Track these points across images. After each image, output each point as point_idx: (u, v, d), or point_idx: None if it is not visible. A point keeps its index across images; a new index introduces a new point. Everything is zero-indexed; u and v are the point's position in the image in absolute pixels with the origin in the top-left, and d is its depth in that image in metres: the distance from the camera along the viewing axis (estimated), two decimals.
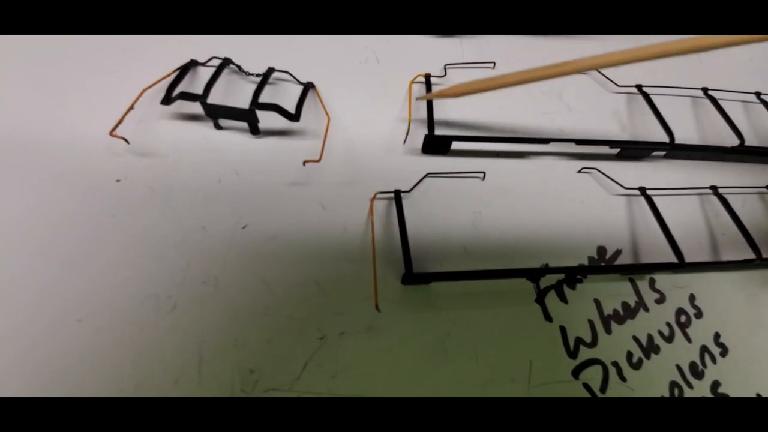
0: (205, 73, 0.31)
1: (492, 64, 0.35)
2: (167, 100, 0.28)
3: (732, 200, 0.32)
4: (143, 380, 0.23)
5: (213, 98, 0.28)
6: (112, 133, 0.26)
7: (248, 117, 0.28)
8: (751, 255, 0.30)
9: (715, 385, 0.28)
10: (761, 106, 0.37)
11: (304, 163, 0.27)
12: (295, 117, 0.28)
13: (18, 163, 0.27)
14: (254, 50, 0.33)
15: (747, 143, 0.33)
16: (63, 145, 0.28)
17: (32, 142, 0.28)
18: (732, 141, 0.34)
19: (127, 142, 0.27)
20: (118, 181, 0.27)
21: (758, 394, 0.28)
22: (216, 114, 0.28)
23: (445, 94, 0.27)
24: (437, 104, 0.32)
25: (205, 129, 0.30)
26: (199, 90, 0.28)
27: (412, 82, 0.33)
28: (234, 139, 0.30)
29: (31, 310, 0.24)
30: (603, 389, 0.27)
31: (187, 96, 0.27)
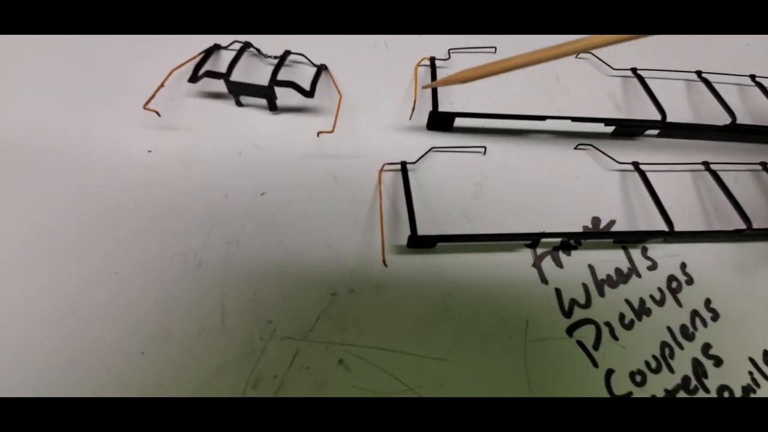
0: (226, 56, 0.34)
1: (493, 49, 0.37)
2: (194, 78, 0.30)
3: (724, 177, 0.34)
4: (173, 328, 0.26)
5: (235, 77, 0.31)
6: (145, 106, 0.29)
7: (267, 94, 0.30)
8: (742, 226, 0.31)
9: (706, 347, 0.29)
10: (756, 89, 0.39)
11: (318, 134, 0.30)
12: (309, 93, 0.30)
13: (62, 136, 0.30)
14: (271, 37, 0.36)
15: (741, 123, 0.35)
16: (101, 121, 0.31)
17: (75, 119, 0.31)
18: (724, 121, 0.35)
19: (159, 114, 0.30)
20: (149, 151, 0.30)
21: (750, 358, 0.30)
22: (238, 91, 0.31)
23: (450, 81, 0.29)
24: (442, 88, 0.34)
25: (228, 106, 0.32)
26: (222, 70, 0.31)
27: (418, 64, 0.35)
28: (253, 115, 0.32)
29: (75, 263, 0.27)
30: (596, 347, 0.28)
31: (212, 74, 0.30)
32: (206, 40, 0.35)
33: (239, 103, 0.32)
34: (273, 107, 0.32)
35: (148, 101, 0.29)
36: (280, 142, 0.32)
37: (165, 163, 0.30)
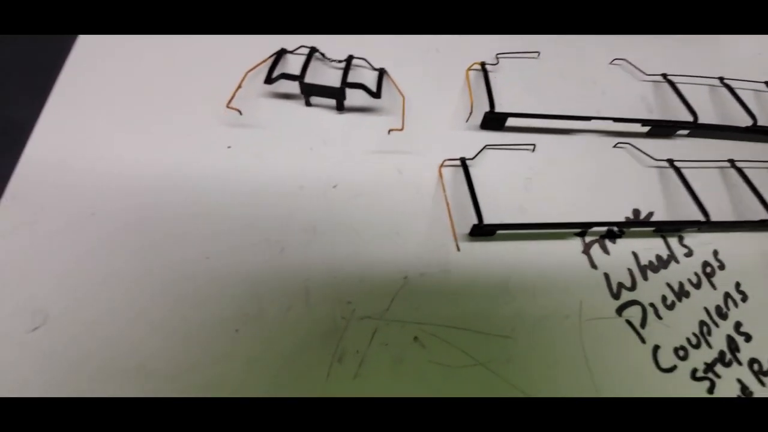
0: (292, 60, 0.37)
1: (537, 54, 0.40)
2: (269, 79, 0.33)
3: (748, 173, 0.37)
4: (262, 307, 0.28)
5: (305, 80, 0.33)
6: (228, 105, 0.31)
7: (338, 94, 0.33)
8: (767, 216, 0.34)
9: (738, 324, 0.32)
10: None
11: (389, 132, 0.32)
12: (377, 95, 0.33)
13: (151, 129, 0.32)
14: (332, 43, 0.38)
15: (762, 125, 0.38)
16: (184, 119, 0.33)
17: (162, 116, 0.33)
18: (746, 123, 0.39)
19: (240, 113, 0.32)
20: (229, 147, 0.33)
21: None
22: (310, 92, 0.33)
23: None
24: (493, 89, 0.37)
25: (298, 106, 0.35)
26: (289, 72, 0.33)
27: (469, 69, 0.38)
28: (322, 114, 0.35)
29: (170, 251, 0.29)
30: (643, 325, 0.31)
31: (288, 76, 0.32)
32: (270, 41, 0.37)
33: (308, 103, 0.35)
34: (340, 107, 0.34)
35: (230, 100, 0.32)
36: (347, 139, 0.34)
37: (243, 157, 0.32)
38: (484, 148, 0.35)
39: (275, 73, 0.33)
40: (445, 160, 0.34)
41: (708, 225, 0.33)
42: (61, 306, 0.26)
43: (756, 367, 0.32)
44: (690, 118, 0.37)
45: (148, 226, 0.29)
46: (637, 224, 0.33)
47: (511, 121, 0.36)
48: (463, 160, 0.33)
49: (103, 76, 0.34)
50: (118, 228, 0.29)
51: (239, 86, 0.33)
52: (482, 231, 0.31)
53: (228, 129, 0.33)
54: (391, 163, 0.34)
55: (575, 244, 0.33)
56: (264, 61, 0.35)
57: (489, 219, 0.32)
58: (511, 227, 0.31)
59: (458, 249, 0.30)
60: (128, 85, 0.34)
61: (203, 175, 0.31)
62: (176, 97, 0.34)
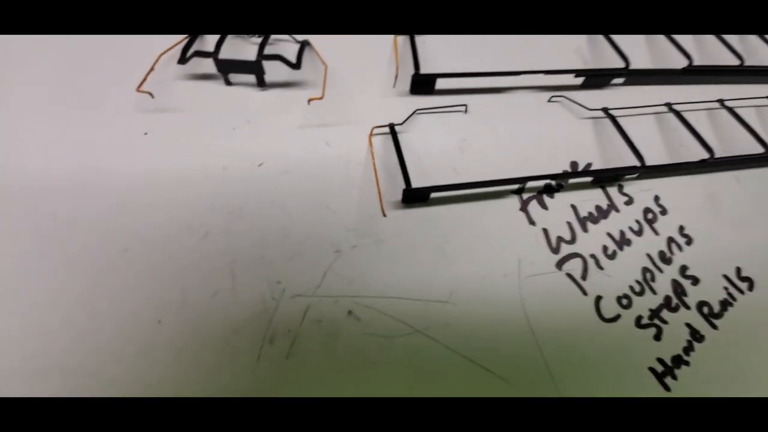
0: (211, 39, 0.35)
1: None
2: (183, 59, 0.31)
3: (686, 115, 0.37)
4: (185, 296, 0.27)
5: (222, 57, 0.32)
6: (138, 89, 0.30)
7: (255, 69, 0.32)
8: (707, 156, 0.34)
9: (684, 268, 0.32)
10: (710, 37, 0.41)
11: (309, 101, 0.31)
12: (296, 65, 0.32)
13: (55, 119, 0.31)
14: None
15: (697, 65, 0.38)
16: (95, 105, 0.32)
17: (67, 104, 0.31)
18: (681, 65, 0.38)
19: (152, 96, 0.31)
20: (145, 134, 0.31)
21: (725, 275, 0.32)
22: (227, 69, 0.32)
23: None
24: (421, 55, 0.36)
25: (217, 85, 0.34)
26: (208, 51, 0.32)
27: (397, 36, 0.37)
28: (243, 92, 0.34)
29: (82, 244, 0.27)
30: (584, 277, 0.31)
31: (201, 54, 0.31)
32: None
33: (228, 82, 0.33)
34: (261, 83, 0.33)
35: (141, 84, 0.30)
36: (271, 115, 0.33)
37: (162, 143, 0.31)
38: (414, 112, 0.34)
39: (189, 52, 0.32)
40: (374, 128, 0.33)
41: (646, 169, 0.32)
42: None
43: (706, 309, 0.31)
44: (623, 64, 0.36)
45: (57, 220, 0.28)
46: (573, 175, 0.32)
47: (441, 84, 0.35)
48: (391, 126, 0.32)
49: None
50: (24, 222, 0.28)
51: (152, 69, 0.31)
52: (415, 196, 0.30)
53: (144, 115, 0.32)
54: (319, 135, 0.33)
55: (512, 203, 0.32)
56: (178, 42, 0.34)
57: (424, 184, 0.31)
58: (444, 188, 0.30)
59: (384, 215, 0.29)
60: (28, 75, 0.32)
61: (118, 163, 0.30)
62: (83, 86, 0.32)
